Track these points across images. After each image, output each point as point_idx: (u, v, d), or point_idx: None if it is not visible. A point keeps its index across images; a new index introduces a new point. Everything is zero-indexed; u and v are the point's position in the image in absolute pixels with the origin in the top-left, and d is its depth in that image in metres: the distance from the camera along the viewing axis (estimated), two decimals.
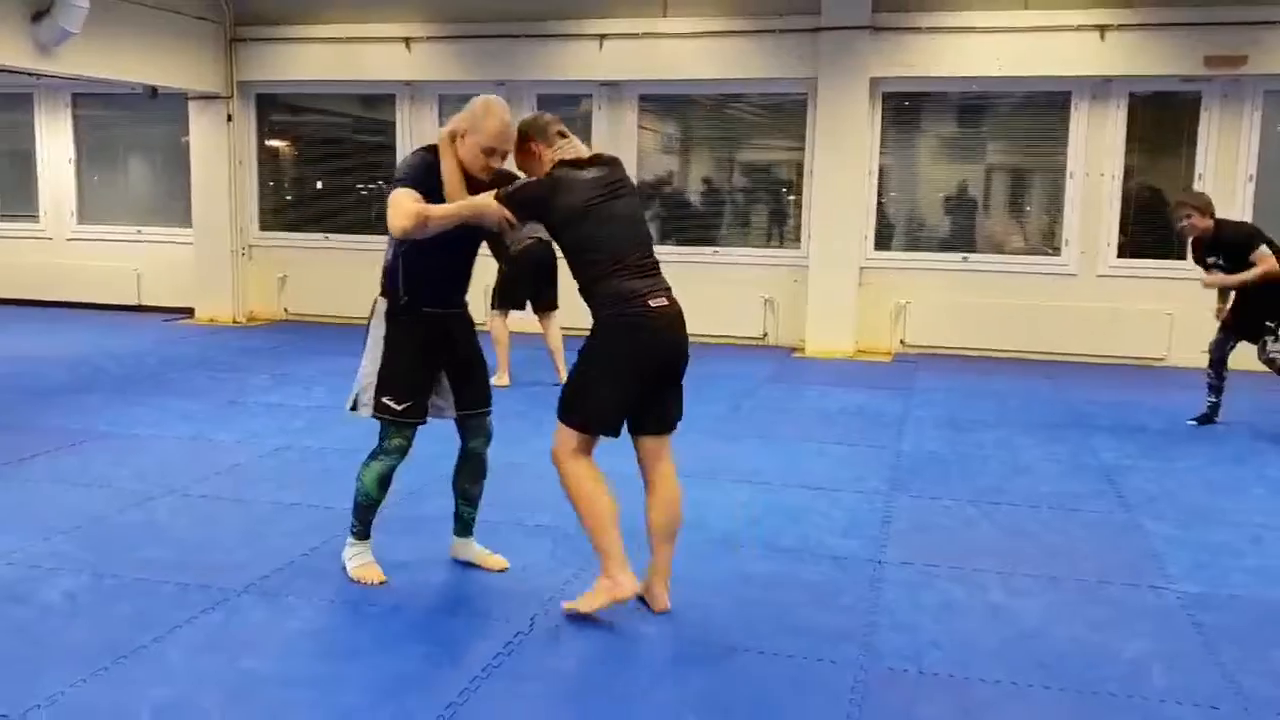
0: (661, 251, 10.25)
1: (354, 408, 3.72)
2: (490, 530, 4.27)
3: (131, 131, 11.65)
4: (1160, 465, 5.75)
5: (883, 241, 9.70)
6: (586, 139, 9.89)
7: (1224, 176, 8.78)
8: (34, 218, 11.68)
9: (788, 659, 3.31)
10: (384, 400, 3.63)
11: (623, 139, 10.03)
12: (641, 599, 3.58)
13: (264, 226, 11.10)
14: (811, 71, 9.29)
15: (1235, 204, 8.72)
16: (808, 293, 9.49)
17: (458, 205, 3.47)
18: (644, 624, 3.53)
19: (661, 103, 10.29)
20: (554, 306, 7.43)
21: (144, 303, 11.21)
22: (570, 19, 9.72)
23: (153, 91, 9.98)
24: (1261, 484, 5.41)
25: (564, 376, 6.80)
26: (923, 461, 5.76)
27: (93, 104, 11.43)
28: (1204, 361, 6.79)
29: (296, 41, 10.38)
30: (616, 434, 3.48)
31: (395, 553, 4.00)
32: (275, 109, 11.21)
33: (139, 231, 11.32)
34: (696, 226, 10.38)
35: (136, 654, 3.23)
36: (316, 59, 10.35)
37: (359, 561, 3.84)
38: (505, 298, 7.43)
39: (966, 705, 3.07)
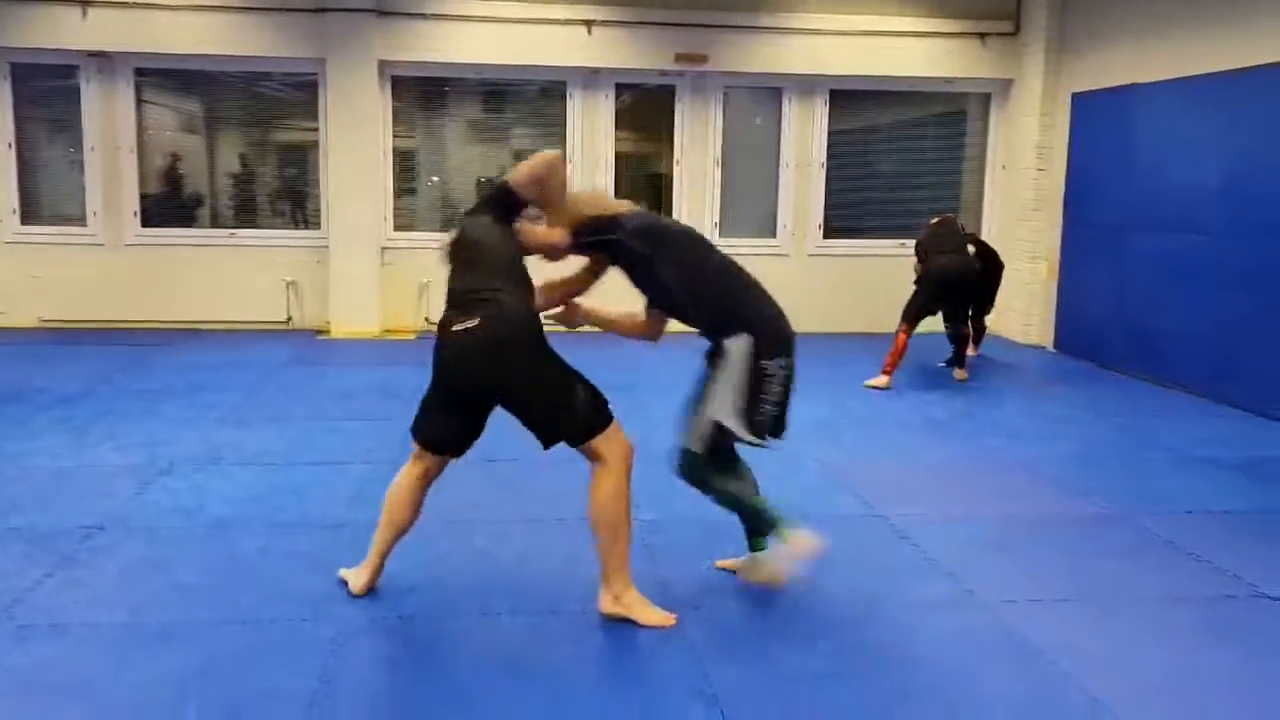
0: (177, 235, 9.78)
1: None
2: None
3: None
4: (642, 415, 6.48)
5: (404, 222, 9.90)
6: (77, 114, 9.26)
7: (697, 161, 9.95)
8: None
9: (270, 623, 3.42)
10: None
11: (118, 115, 9.39)
12: None
13: None
14: (321, 52, 9.25)
15: (705, 187, 9.95)
16: (330, 275, 9.48)
17: None
18: (111, 614, 3.49)
19: (169, 78, 9.73)
20: None
21: None
22: None
23: None
24: None
25: None
26: None
27: None
28: (690, 327, 7.72)
29: None
30: (437, 450, 3.55)
31: None
32: None
33: None
34: (219, 208, 9.97)
35: None
36: None
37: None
38: None
39: (444, 638, 3.38)
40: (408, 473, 3.61)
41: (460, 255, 3.54)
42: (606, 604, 3.50)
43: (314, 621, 3.45)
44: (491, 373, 3.33)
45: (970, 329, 8.11)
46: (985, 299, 8.70)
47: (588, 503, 3.45)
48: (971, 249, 7.99)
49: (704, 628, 3.46)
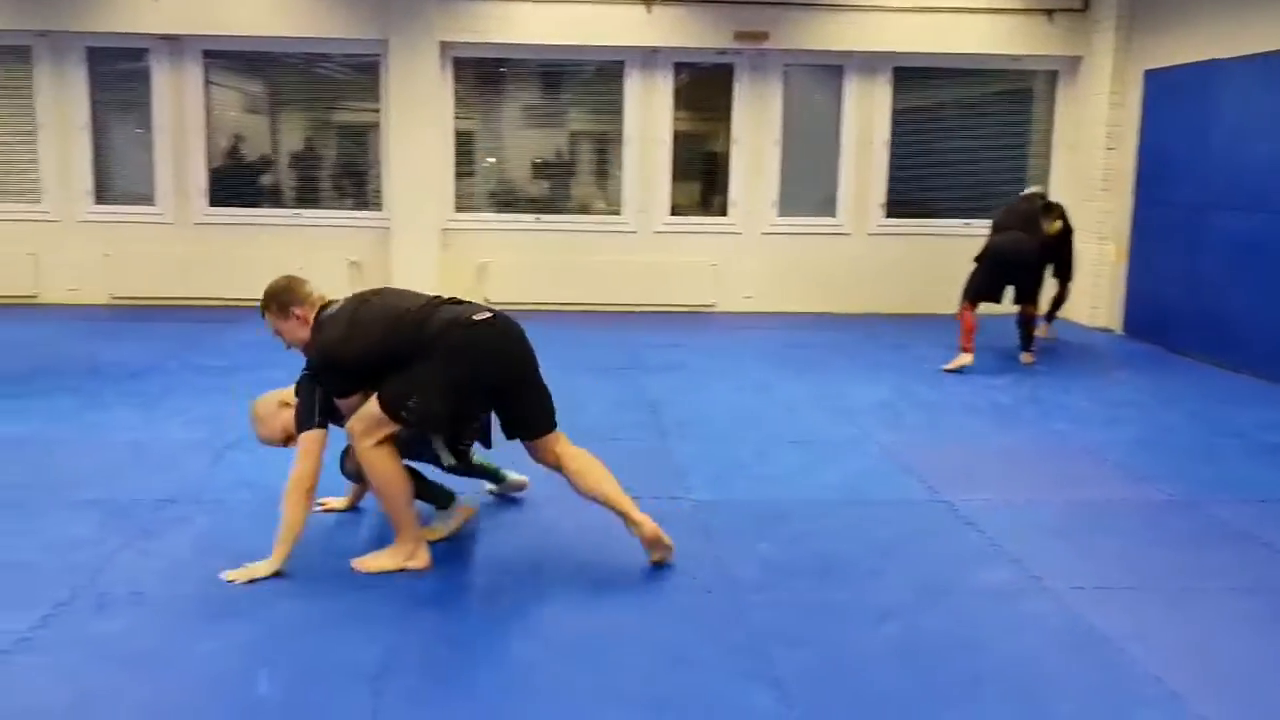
0: (243, 214, 9.95)
1: None
2: (33, 507, 4.09)
3: None
4: (695, 395, 6.47)
5: (465, 203, 9.94)
6: (147, 96, 9.44)
7: (756, 140, 9.86)
8: None
9: (336, 596, 3.48)
10: None
11: (187, 96, 9.56)
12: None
13: None
14: (383, 33, 9.32)
15: (764, 168, 9.85)
16: (390, 255, 9.57)
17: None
18: (185, 584, 3.57)
19: (235, 60, 9.87)
20: None
21: None
22: None
23: None
24: (775, 408, 6.27)
25: None
26: None
27: None
28: (747, 306, 7.74)
29: None
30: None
31: None
32: None
33: None
34: (282, 188, 10.11)
35: None
36: None
37: None
38: None
39: (503, 613, 3.41)
40: (393, 453, 3.66)
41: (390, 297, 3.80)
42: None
43: (378, 593, 3.50)
44: (524, 358, 3.69)
45: (1036, 310, 7.94)
46: (1064, 269, 8.61)
47: (584, 475, 3.70)
48: (1059, 224, 7.86)
49: (766, 610, 3.45)
